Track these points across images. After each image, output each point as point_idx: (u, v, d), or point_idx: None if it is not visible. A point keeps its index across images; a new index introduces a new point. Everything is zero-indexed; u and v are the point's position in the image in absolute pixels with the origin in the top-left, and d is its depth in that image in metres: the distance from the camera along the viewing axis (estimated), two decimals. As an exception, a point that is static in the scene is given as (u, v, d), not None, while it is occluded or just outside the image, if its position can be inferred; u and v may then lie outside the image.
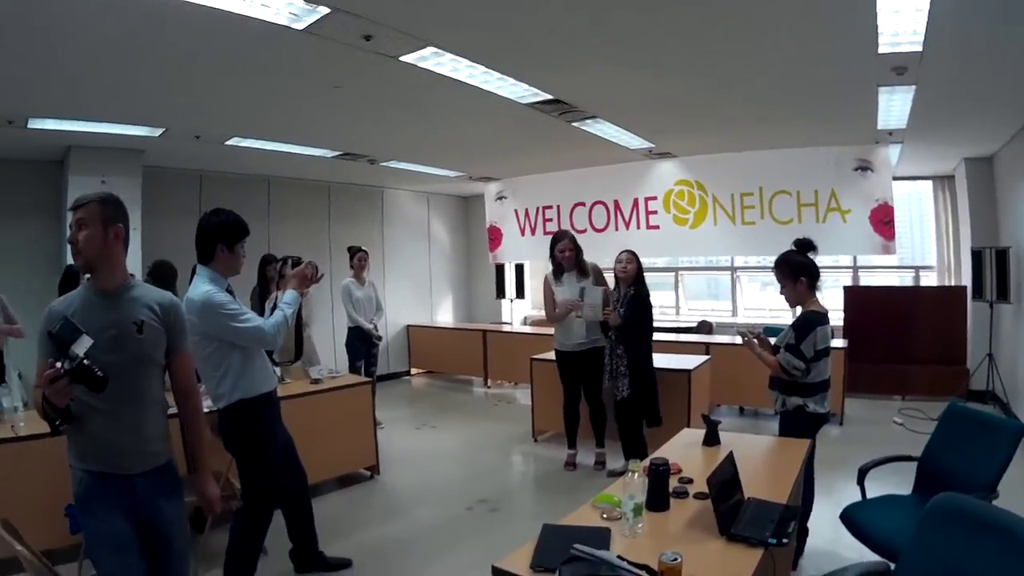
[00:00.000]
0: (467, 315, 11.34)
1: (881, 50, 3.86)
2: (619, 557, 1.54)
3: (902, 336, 7.50)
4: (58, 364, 1.90)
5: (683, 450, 3.10)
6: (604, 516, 2.21)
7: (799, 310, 3.50)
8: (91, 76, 4.19)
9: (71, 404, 2.02)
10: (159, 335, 2.24)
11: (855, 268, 8.50)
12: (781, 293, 3.55)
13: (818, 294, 3.51)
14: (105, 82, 4.32)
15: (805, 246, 3.48)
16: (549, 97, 5.00)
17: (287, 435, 3.44)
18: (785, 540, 2.02)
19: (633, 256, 4.94)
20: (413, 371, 10.26)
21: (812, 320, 3.35)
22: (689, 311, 9.63)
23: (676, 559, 1.63)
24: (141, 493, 2.16)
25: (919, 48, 3.79)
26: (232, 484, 3.50)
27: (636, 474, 2.09)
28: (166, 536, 2.23)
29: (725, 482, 2.21)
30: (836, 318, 7.67)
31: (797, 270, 3.42)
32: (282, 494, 3.44)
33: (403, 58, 4.00)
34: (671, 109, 5.57)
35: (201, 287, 2.94)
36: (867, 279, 8.55)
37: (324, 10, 3.27)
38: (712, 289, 9.93)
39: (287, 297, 3.17)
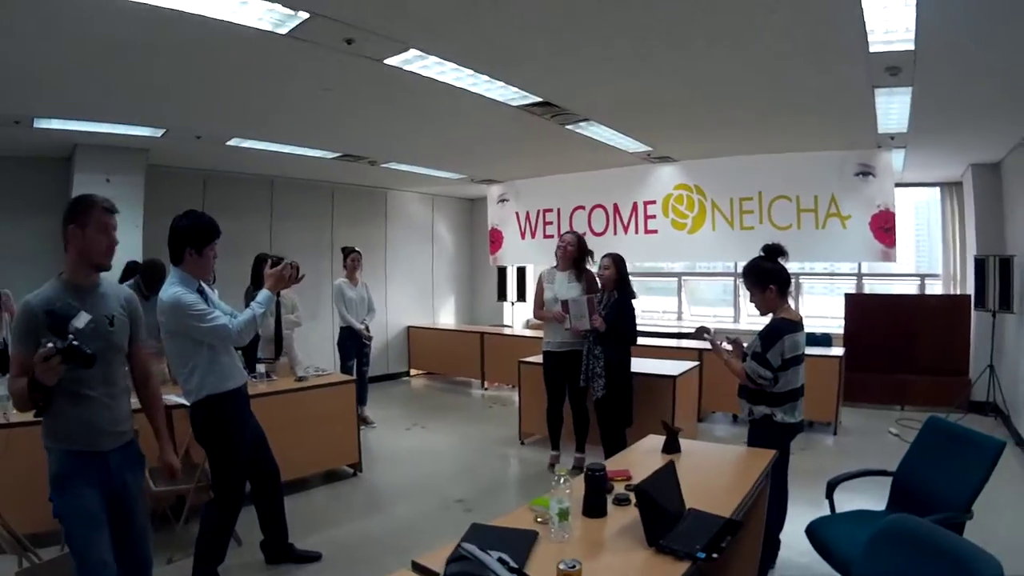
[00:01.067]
0: (469, 317, 11.35)
1: (872, 49, 3.77)
2: (500, 560, 1.54)
3: (903, 345, 7.37)
4: (50, 344, 2.10)
5: (641, 457, 3.07)
6: (538, 519, 2.21)
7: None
8: (92, 77, 4.30)
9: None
10: (126, 327, 2.50)
11: (859, 275, 8.40)
12: (751, 301, 3.52)
13: (791, 300, 3.48)
14: (106, 83, 4.42)
15: (774, 252, 3.42)
16: (538, 99, 5.00)
17: (259, 430, 3.53)
18: (715, 555, 1.98)
19: (612, 261, 4.96)
20: (412, 372, 10.29)
21: (780, 328, 3.30)
22: (692, 316, 9.57)
23: (574, 566, 1.64)
24: (113, 468, 2.38)
25: (911, 47, 3.70)
26: (208, 474, 3.58)
27: (563, 479, 2.09)
28: (130, 508, 2.45)
29: (659, 491, 2.18)
30: (836, 326, 7.62)
31: (765, 278, 3.38)
32: (254, 487, 3.57)
33: (387, 61, 4.04)
34: (662, 111, 5.53)
35: (170, 289, 3.05)
36: (873, 287, 8.45)
37: (304, 15, 3.33)
38: (727, 295, 9.83)
39: (260, 297, 3.23)
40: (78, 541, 2.27)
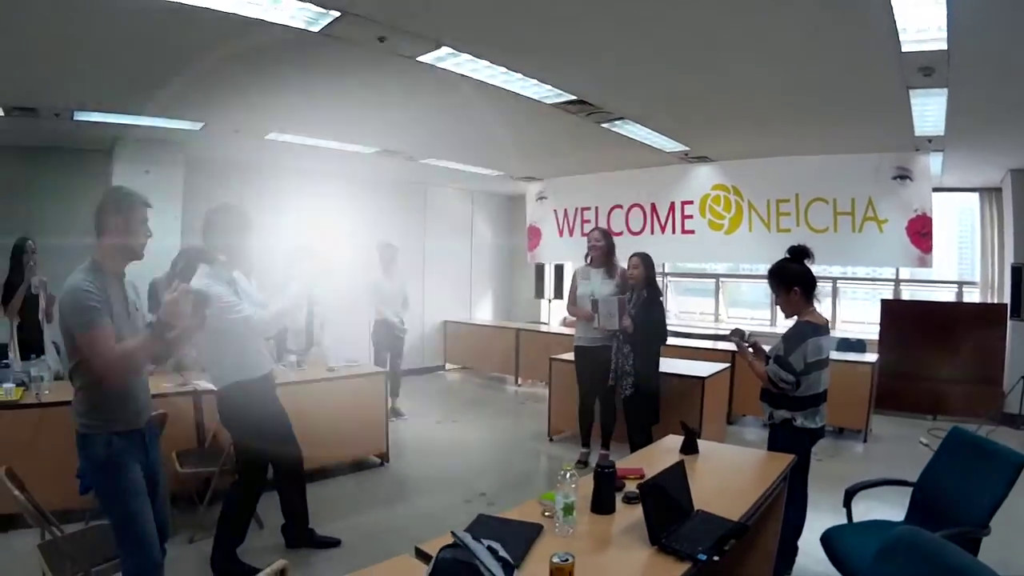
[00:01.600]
0: (506, 313, 11.39)
1: (905, 49, 3.68)
2: (489, 548, 1.57)
3: (937, 354, 7.14)
4: (183, 285, 2.40)
5: (658, 456, 3.06)
6: (545, 513, 2.25)
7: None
8: (130, 73, 4.44)
9: None
10: (142, 312, 2.71)
11: (897, 281, 8.20)
12: (776, 303, 3.48)
13: (816, 304, 3.43)
14: (143, 78, 4.56)
15: (800, 253, 3.36)
16: (573, 98, 5.01)
17: (284, 416, 3.61)
18: (717, 557, 1.98)
19: (640, 260, 4.97)
20: (448, 366, 10.39)
21: (804, 331, 3.25)
22: (729, 318, 9.47)
23: (567, 560, 1.66)
24: (148, 441, 2.59)
25: (944, 46, 3.61)
26: (233, 458, 3.70)
27: (568, 474, 2.12)
28: (155, 476, 2.63)
29: (665, 489, 2.20)
30: (871, 332, 7.45)
31: (790, 280, 3.32)
32: (277, 472, 3.67)
33: (420, 58, 4.09)
34: (695, 111, 5.50)
35: (200, 279, 3.15)
36: (914, 293, 8.24)
37: (335, 13, 3.40)
38: (768, 298, 9.66)
39: (291, 291, 3.33)
40: (131, 516, 2.41)
